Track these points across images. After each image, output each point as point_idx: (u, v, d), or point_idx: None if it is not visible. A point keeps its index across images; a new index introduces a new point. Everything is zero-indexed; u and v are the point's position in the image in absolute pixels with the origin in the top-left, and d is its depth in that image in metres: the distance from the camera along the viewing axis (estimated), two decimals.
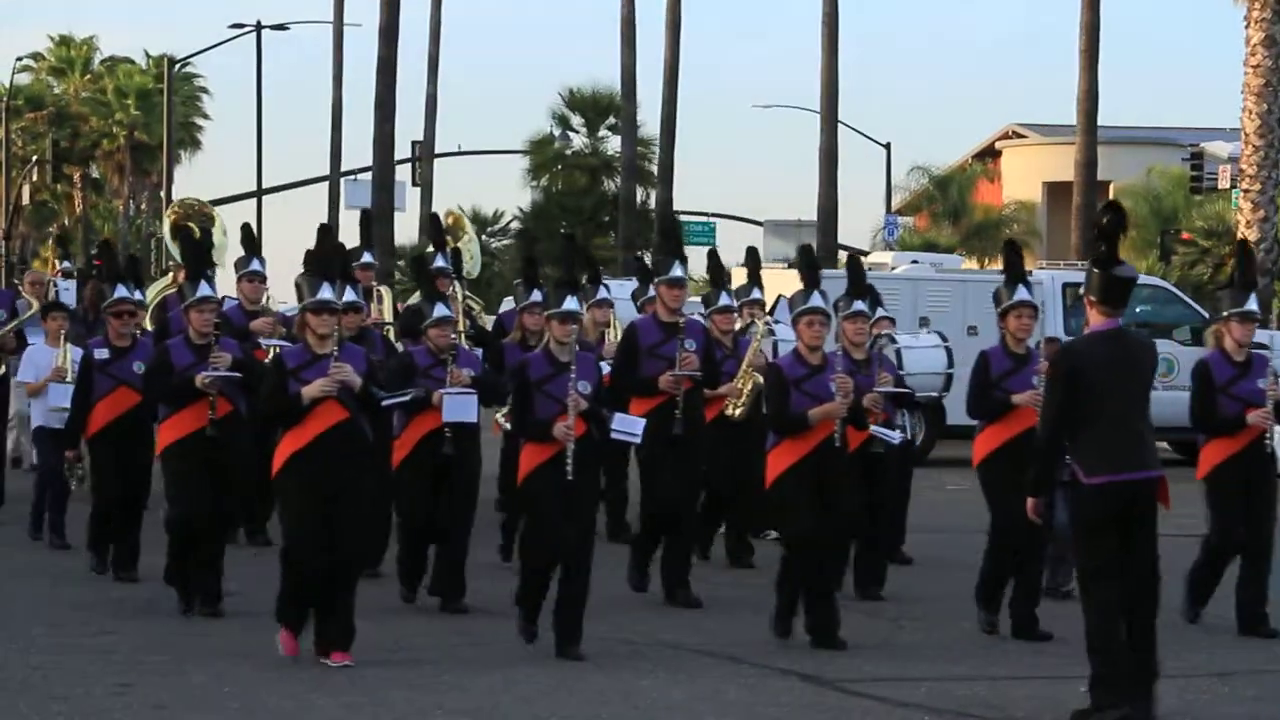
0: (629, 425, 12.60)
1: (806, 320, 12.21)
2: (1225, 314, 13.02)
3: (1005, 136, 76.90)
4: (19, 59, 76.66)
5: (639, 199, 49.60)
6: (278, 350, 14.37)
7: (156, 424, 13.25)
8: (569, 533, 11.60)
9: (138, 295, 14.65)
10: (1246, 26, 40.44)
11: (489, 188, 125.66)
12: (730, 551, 15.61)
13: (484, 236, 61.44)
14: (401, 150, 48.72)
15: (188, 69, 69.10)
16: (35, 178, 70.57)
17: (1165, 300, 28.34)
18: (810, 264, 15.48)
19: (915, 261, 29.53)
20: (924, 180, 66.15)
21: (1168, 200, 62.24)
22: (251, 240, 17.33)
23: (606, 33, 59.90)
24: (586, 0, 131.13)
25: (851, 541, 12.85)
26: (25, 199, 71.49)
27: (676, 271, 13.75)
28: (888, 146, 61.07)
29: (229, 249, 18.98)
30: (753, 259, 16.87)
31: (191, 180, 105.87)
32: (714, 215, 56.75)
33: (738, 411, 14.82)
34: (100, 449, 14.27)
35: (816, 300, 12.25)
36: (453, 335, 13.47)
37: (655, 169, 48.61)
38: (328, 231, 12.37)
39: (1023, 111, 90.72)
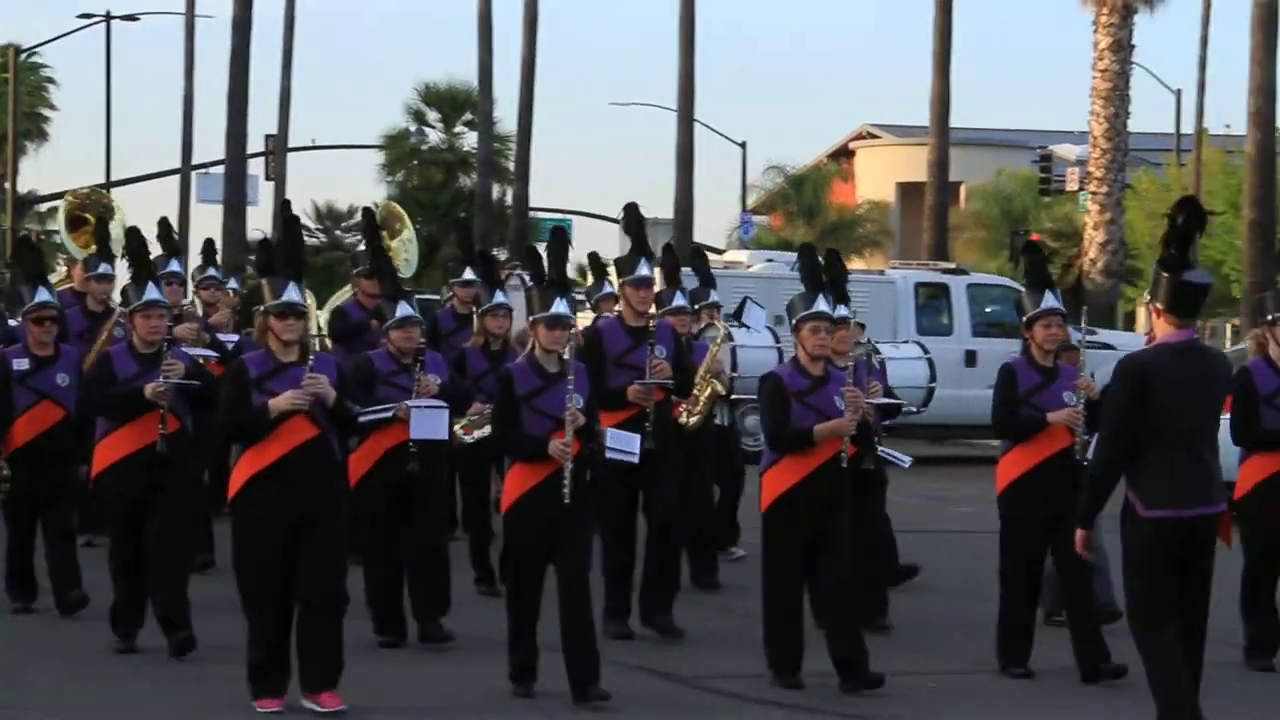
0: (625, 443, 11.38)
1: (811, 326, 10.86)
2: (1271, 317, 11.80)
3: (859, 137, 77.62)
4: None
5: (495, 195, 49.61)
6: (202, 360, 13.41)
7: (95, 441, 11.77)
8: (568, 565, 10.41)
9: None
10: (1095, 31, 41.05)
11: (343, 182, 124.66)
12: (692, 573, 14.19)
13: (337, 232, 61.26)
14: (254, 144, 48.50)
15: (34, 59, 68.10)
16: None
17: (1015, 300, 28.63)
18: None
19: (770, 260, 29.65)
20: (779, 179, 66.60)
21: (1017, 201, 63.10)
22: (170, 238, 16.36)
23: (464, 29, 59.52)
24: None
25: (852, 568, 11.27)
26: None
27: (644, 270, 12.43)
28: (743, 145, 61.53)
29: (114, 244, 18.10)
30: (701, 259, 15.95)
31: (39, 172, 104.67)
32: (570, 212, 56.84)
33: (692, 420, 13.67)
34: (18, 470, 12.66)
35: (822, 304, 10.93)
36: (420, 338, 12.15)
37: (512, 165, 48.61)
38: (295, 223, 11.38)
39: (876, 112, 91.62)
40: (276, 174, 53.40)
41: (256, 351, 10.50)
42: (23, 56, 61.96)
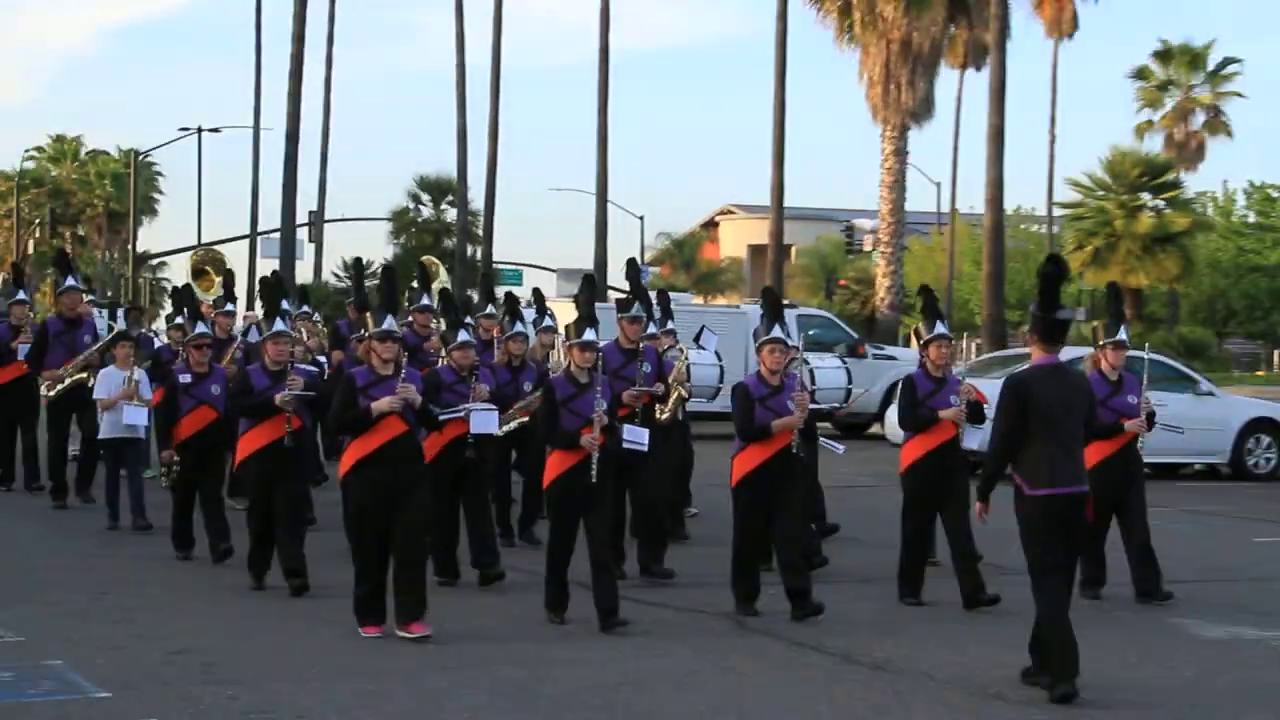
0: (637, 435, 10.56)
1: (769, 348, 10.26)
2: (1101, 343, 11.16)
3: (722, 212, 77.84)
4: (26, 150, 75.14)
5: (469, 253, 49.34)
6: (320, 372, 12.68)
7: (238, 436, 11.09)
8: (596, 525, 9.68)
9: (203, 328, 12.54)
10: (882, 140, 41.31)
11: (363, 244, 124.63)
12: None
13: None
14: (300, 217, 47.89)
15: (149, 159, 67.58)
16: (38, 235, 69.61)
17: (830, 326, 28.60)
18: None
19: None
20: (666, 242, 66.73)
21: (830, 259, 63.43)
22: (280, 285, 15.83)
23: (447, 137, 59.23)
24: (432, 113, 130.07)
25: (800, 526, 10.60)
26: (30, 250, 70.02)
27: (636, 310, 11.90)
28: (641, 218, 61.57)
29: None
30: (665, 299, 14.62)
31: (150, 238, 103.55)
32: (521, 264, 56.57)
33: (664, 417, 12.94)
34: (184, 457, 12.12)
35: (778, 332, 10.29)
36: (475, 356, 11.37)
37: (481, 232, 48.39)
38: (392, 274, 10.56)
39: (734, 195, 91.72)
40: (316, 239, 53.05)
41: (361, 367, 9.80)
42: (140, 157, 61.38)
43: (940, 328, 10.94)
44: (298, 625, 9.82)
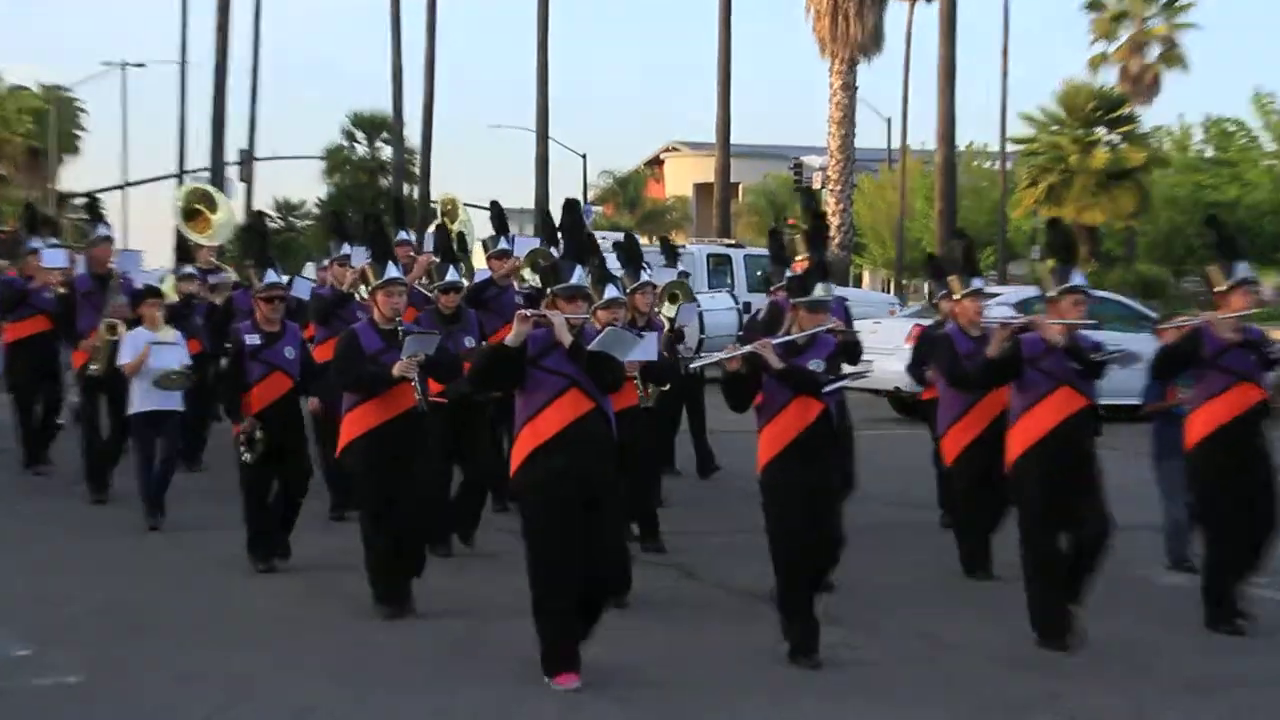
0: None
1: (973, 299, 10.07)
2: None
3: (667, 150, 77.44)
4: None
5: (405, 192, 48.96)
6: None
7: (341, 415, 8.94)
8: (824, 506, 7.94)
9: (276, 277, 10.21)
10: (830, 75, 41.12)
11: (295, 183, 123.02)
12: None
13: (290, 218, 60.13)
14: (230, 155, 47.35)
15: (70, 94, 66.59)
16: None
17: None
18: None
19: (604, 238, 29.49)
20: (610, 180, 66.41)
21: (779, 196, 63.37)
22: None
23: (383, 71, 58.69)
24: (368, 48, 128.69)
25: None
26: None
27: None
28: (584, 156, 61.37)
29: (227, 226, 15.62)
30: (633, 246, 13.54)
31: (74, 176, 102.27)
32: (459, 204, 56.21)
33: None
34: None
35: (979, 283, 10.02)
36: (620, 320, 8.11)
37: (418, 171, 47.97)
38: (573, 208, 9.02)
39: (679, 132, 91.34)
40: (246, 177, 52.34)
41: (539, 330, 7.45)
42: (62, 93, 60.66)
43: (1077, 278, 8.51)
44: (231, 583, 9.71)
